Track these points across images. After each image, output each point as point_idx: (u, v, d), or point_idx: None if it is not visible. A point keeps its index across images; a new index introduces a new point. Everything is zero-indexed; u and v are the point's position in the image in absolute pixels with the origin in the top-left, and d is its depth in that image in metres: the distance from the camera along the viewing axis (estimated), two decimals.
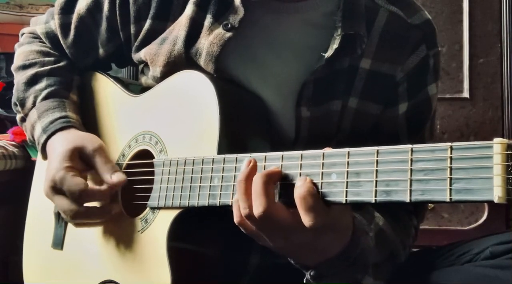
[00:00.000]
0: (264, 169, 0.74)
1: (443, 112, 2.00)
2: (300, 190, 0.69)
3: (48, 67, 1.13)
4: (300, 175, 0.70)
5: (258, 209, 0.71)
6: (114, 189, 0.96)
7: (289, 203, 0.71)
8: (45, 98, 1.08)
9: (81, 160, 0.98)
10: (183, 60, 0.97)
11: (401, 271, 0.93)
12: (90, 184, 0.96)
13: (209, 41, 0.95)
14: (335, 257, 0.76)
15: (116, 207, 0.98)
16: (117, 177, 0.94)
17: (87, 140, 1.00)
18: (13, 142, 1.58)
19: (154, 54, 1.00)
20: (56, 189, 0.95)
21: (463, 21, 2.04)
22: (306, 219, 0.69)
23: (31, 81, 1.11)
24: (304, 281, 0.82)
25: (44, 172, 1.00)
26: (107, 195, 0.95)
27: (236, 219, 0.76)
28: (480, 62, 2.01)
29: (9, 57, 1.80)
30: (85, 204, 0.95)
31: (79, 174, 0.96)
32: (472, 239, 0.94)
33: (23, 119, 1.12)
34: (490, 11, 2.01)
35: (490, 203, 0.53)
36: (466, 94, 2.03)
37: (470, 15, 2.02)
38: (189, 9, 0.98)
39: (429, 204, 1.86)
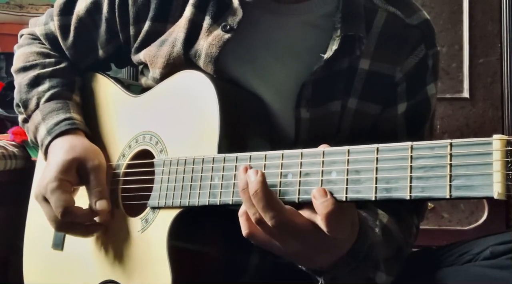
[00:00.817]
0: (265, 168, 0.74)
1: (443, 112, 2.00)
2: (326, 209, 0.67)
3: (50, 69, 1.13)
4: (301, 173, 0.70)
5: (271, 220, 0.70)
6: (96, 215, 0.96)
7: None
8: (48, 99, 1.08)
9: (77, 173, 0.99)
10: (182, 62, 0.97)
11: (401, 271, 0.93)
12: (76, 199, 0.97)
13: (208, 42, 0.95)
14: (346, 254, 0.76)
15: (100, 227, 0.98)
16: (100, 205, 0.95)
17: (89, 154, 1.00)
18: (13, 142, 1.58)
19: (153, 56, 1.00)
20: (45, 197, 0.96)
21: (463, 21, 2.04)
22: (335, 232, 0.68)
23: (34, 83, 1.11)
24: None
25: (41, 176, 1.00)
26: (89, 218, 0.96)
27: (245, 231, 0.74)
28: (480, 62, 2.01)
29: (9, 57, 1.81)
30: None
31: (70, 188, 0.97)
32: (472, 239, 0.94)
33: (26, 120, 1.12)
34: (490, 11, 2.01)
35: (490, 199, 0.53)
36: (466, 94, 2.03)
37: (470, 15, 2.02)
38: (188, 11, 0.98)
39: (429, 204, 1.86)
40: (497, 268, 0.83)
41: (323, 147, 0.70)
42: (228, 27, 0.94)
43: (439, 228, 1.98)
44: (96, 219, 0.98)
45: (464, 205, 1.98)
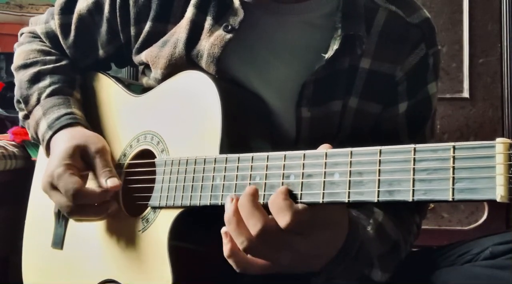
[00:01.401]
0: (267, 168, 0.74)
1: (443, 112, 2.00)
2: (270, 197, 0.70)
3: (51, 66, 1.13)
4: (303, 175, 0.70)
5: (255, 227, 0.71)
6: (108, 194, 0.96)
7: None
8: (49, 95, 1.08)
9: (82, 159, 0.98)
10: (184, 62, 0.97)
11: (401, 271, 0.93)
12: (87, 185, 0.97)
13: (210, 42, 0.95)
14: (337, 253, 0.76)
15: (113, 205, 0.97)
16: (111, 182, 0.95)
17: (91, 139, 1.00)
18: (13, 142, 1.58)
19: (155, 57, 1.01)
20: (53, 185, 0.95)
21: (463, 21, 2.04)
22: (280, 221, 0.69)
23: (34, 79, 1.11)
24: None
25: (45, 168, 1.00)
26: (101, 198, 0.96)
27: (238, 269, 0.75)
28: (480, 62, 2.02)
29: (9, 57, 1.80)
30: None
31: (78, 173, 0.96)
32: (472, 239, 0.94)
33: (27, 116, 1.12)
34: (490, 11, 2.01)
35: (493, 202, 0.53)
36: (466, 94, 2.03)
37: (470, 15, 2.02)
38: (190, 12, 0.99)
39: (430, 204, 1.86)
40: (497, 268, 0.83)
41: (324, 147, 0.71)
42: (229, 27, 0.95)
43: (439, 228, 1.98)
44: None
45: (464, 205, 1.98)
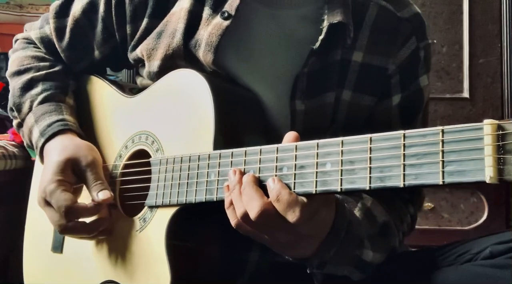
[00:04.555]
0: (260, 162, 0.75)
1: (443, 112, 2.00)
2: (272, 194, 0.72)
3: (44, 72, 1.12)
4: (296, 166, 0.71)
5: (253, 210, 0.73)
6: (101, 207, 0.96)
7: None
8: (41, 102, 1.08)
9: (73, 173, 0.98)
10: (181, 53, 0.98)
11: (401, 270, 0.93)
12: (79, 200, 0.96)
13: (208, 32, 0.95)
14: (327, 236, 0.78)
15: (105, 223, 0.98)
16: (103, 195, 0.95)
17: (82, 152, 0.99)
18: (13, 142, 1.58)
19: (151, 49, 1.01)
20: (47, 201, 0.95)
21: (463, 21, 2.04)
22: (289, 217, 0.71)
23: (27, 86, 1.11)
24: (308, 272, 0.83)
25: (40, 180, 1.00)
26: (94, 212, 0.96)
27: (233, 222, 0.77)
28: (480, 62, 2.02)
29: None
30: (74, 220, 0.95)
31: (70, 188, 0.96)
32: (472, 239, 0.94)
33: (20, 125, 1.12)
34: (490, 11, 2.02)
35: (483, 184, 0.53)
36: (466, 94, 2.03)
37: (470, 15, 2.03)
38: (187, 2, 0.99)
39: (429, 204, 1.86)
40: (496, 267, 0.83)
41: (290, 135, 0.74)
42: (226, 14, 0.95)
43: (439, 228, 1.97)
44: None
45: (464, 205, 1.98)
